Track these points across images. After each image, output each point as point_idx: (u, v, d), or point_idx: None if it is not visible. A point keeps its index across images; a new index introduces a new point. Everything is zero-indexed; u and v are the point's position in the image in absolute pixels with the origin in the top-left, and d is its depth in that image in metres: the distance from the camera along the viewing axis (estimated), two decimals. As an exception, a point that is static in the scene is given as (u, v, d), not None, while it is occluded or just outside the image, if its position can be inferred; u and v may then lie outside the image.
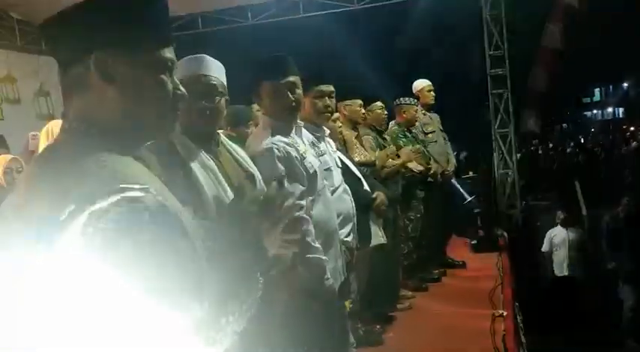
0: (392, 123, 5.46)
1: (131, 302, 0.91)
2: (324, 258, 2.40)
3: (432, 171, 5.44)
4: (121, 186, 0.95)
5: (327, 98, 3.05)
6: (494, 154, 7.96)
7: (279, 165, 2.41)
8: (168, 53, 1.31)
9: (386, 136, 5.13)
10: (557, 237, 7.76)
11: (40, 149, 2.93)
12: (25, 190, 1.08)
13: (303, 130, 2.75)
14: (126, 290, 0.91)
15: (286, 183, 2.39)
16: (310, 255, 2.33)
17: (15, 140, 6.63)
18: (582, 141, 18.76)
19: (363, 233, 3.28)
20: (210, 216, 1.93)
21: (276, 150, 2.43)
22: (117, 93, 1.13)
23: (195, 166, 1.99)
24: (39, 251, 0.95)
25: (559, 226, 7.78)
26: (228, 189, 2.02)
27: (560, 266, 7.71)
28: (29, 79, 8.03)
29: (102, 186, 0.95)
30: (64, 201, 0.95)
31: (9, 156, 3.95)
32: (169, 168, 1.90)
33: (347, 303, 2.80)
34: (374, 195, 3.64)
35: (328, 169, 2.86)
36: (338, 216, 2.55)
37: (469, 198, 6.60)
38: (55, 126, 3.01)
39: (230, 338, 1.11)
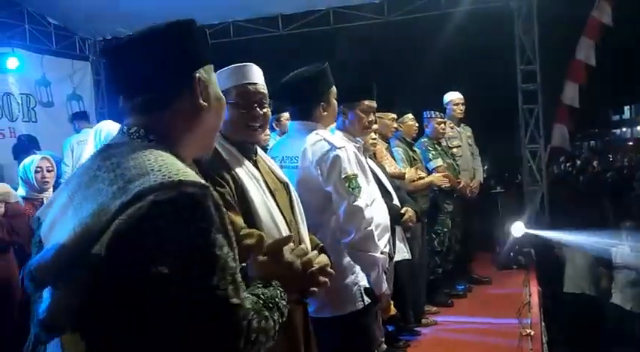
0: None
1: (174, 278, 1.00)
2: None
3: (460, 186, 5.39)
4: (180, 180, 1.04)
5: (371, 114, 3.06)
6: (524, 170, 7.86)
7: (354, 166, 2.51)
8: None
9: (415, 149, 5.11)
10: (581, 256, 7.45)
11: (89, 146, 3.02)
12: (86, 180, 1.14)
13: None
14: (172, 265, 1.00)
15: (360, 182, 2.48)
16: None
17: (47, 142, 6.78)
18: (611, 159, 18.41)
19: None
20: (259, 224, 1.95)
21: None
22: (205, 112, 1.25)
23: (241, 174, 2.00)
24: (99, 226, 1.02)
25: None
26: (271, 197, 2.03)
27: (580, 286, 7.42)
28: (63, 83, 8.19)
29: (163, 179, 1.04)
30: (128, 188, 1.03)
31: (39, 156, 4.00)
32: (218, 176, 1.93)
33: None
34: (402, 210, 3.60)
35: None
36: (377, 227, 2.53)
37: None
38: (105, 126, 3.06)
39: None
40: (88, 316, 1.04)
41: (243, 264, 1.32)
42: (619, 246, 6.93)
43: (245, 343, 1.05)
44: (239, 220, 1.94)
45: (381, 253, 2.57)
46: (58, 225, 1.12)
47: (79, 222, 1.05)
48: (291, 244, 1.34)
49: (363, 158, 2.87)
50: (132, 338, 1.04)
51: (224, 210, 1.10)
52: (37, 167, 3.84)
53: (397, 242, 3.70)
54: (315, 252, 1.36)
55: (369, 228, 2.47)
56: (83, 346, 1.06)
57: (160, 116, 1.20)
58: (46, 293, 1.08)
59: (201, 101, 1.23)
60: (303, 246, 1.36)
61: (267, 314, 1.12)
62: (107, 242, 1.00)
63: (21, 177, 3.92)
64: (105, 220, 1.02)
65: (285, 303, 1.21)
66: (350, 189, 2.42)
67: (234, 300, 1.04)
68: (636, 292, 6.76)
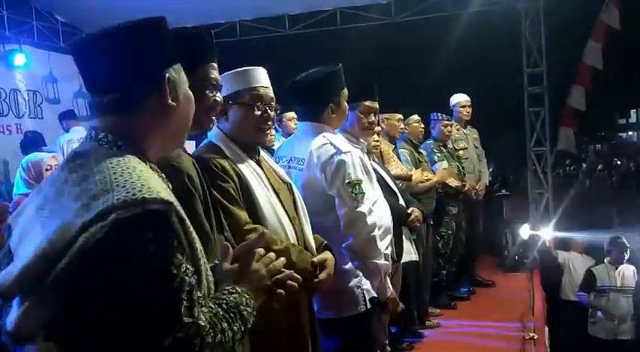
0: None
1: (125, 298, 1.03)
2: None
3: (465, 188, 5.38)
4: (143, 197, 1.05)
5: (372, 115, 3.04)
6: (529, 173, 7.83)
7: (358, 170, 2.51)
8: (215, 72, 1.57)
9: (421, 151, 5.10)
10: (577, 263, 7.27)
11: None
12: (53, 193, 1.13)
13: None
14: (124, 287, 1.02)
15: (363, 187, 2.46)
16: None
17: (53, 139, 6.79)
18: (618, 163, 18.34)
19: (395, 248, 3.25)
20: (263, 221, 1.96)
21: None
22: (173, 112, 1.24)
23: (245, 171, 2.02)
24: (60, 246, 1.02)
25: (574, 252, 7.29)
26: (274, 195, 2.04)
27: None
28: (69, 81, 8.19)
29: (126, 196, 1.04)
30: (91, 205, 1.03)
31: (50, 154, 4.05)
32: (223, 172, 1.94)
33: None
34: (409, 210, 3.59)
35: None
36: (378, 229, 2.52)
37: None
38: None
39: None
40: (58, 327, 1.07)
41: (216, 262, 1.33)
42: (601, 265, 6.39)
43: None
44: (244, 215, 1.95)
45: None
46: (27, 239, 1.12)
47: (45, 238, 1.05)
48: (262, 250, 1.36)
49: (367, 160, 2.86)
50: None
51: (188, 224, 1.12)
52: (47, 165, 3.89)
53: (405, 242, 3.69)
54: (283, 258, 1.39)
55: (372, 234, 2.46)
56: None
57: (128, 117, 1.19)
58: (15, 303, 1.09)
59: (170, 101, 1.22)
60: (271, 254, 1.37)
61: (224, 326, 1.14)
62: (71, 259, 1.01)
63: (26, 175, 3.92)
64: (69, 238, 1.02)
65: (250, 310, 1.23)
66: (353, 195, 2.41)
67: (187, 319, 1.06)
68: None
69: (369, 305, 2.54)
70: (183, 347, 1.06)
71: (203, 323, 1.09)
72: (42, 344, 1.09)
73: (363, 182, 2.48)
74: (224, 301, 1.19)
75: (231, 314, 1.17)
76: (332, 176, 2.43)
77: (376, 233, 2.47)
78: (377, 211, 2.59)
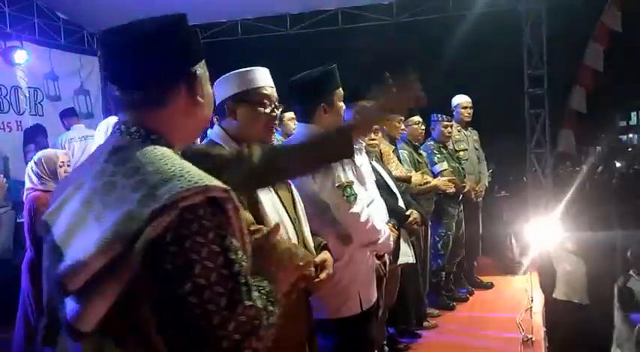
0: None
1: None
2: None
3: (465, 190, 5.38)
4: (206, 185, 1.08)
5: None
6: (529, 175, 7.83)
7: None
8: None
9: (421, 152, 5.10)
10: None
11: (100, 141, 3.03)
12: (102, 185, 1.14)
13: None
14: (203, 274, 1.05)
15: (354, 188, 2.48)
16: None
17: (53, 136, 6.81)
18: (618, 165, 18.33)
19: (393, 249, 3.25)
20: (266, 221, 1.97)
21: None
22: (200, 107, 1.27)
23: None
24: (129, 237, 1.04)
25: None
26: (275, 195, 2.05)
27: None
28: (70, 78, 8.20)
29: (189, 184, 1.07)
30: (155, 195, 1.05)
31: (62, 151, 4.13)
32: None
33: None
34: (407, 212, 3.60)
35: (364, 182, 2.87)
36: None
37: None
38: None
39: None
40: (118, 320, 1.08)
41: None
42: (633, 279, 5.95)
43: (256, 340, 1.10)
44: (248, 216, 1.96)
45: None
46: (78, 232, 1.12)
47: (109, 230, 1.06)
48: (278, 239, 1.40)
49: (364, 160, 2.86)
50: (155, 340, 1.09)
51: (241, 211, 1.15)
52: (61, 161, 3.92)
53: (402, 244, 3.69)
54: (302, 249, 1.41)
55: (369, 224, 2.52)
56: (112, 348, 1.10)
57: (159, 112, 1.22)
58: (74, 297, 1.09)
59: (199, 97, 1.26)
60: (287, 244, 1.40)
61: (271, 309, 1.16)
62: (142, 248, 1.04)
63: (38, 170, 3.90)
64: (136, 227, 1.04)
65: (277, 299, 1.24)
66: (345, 198, 2.43)
67: (248, 302, 1.10)
68: None
69: (364, 308, 2.55)
70: (244, 329, 1.08)
71: (260, 305, 1.12)
72: (93, 340, 1.10)
73: (354, 183, 2.49)
74: (259, 288, 1.20)
75: (271, 299, 1.19)
76: (321, 180, 2.44)
77: (372, 221, 2.52)
78: (373, 210, 2.61)
